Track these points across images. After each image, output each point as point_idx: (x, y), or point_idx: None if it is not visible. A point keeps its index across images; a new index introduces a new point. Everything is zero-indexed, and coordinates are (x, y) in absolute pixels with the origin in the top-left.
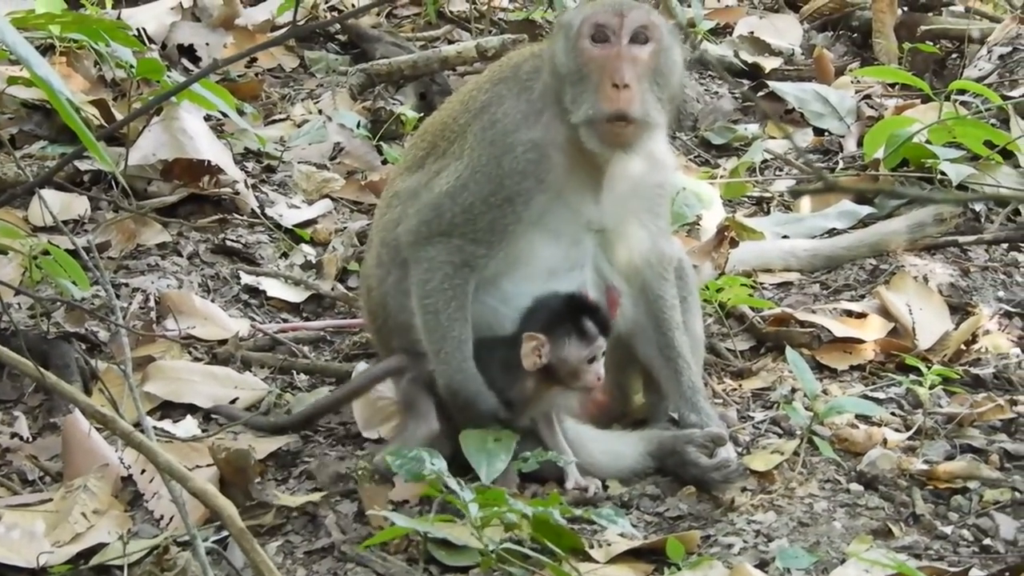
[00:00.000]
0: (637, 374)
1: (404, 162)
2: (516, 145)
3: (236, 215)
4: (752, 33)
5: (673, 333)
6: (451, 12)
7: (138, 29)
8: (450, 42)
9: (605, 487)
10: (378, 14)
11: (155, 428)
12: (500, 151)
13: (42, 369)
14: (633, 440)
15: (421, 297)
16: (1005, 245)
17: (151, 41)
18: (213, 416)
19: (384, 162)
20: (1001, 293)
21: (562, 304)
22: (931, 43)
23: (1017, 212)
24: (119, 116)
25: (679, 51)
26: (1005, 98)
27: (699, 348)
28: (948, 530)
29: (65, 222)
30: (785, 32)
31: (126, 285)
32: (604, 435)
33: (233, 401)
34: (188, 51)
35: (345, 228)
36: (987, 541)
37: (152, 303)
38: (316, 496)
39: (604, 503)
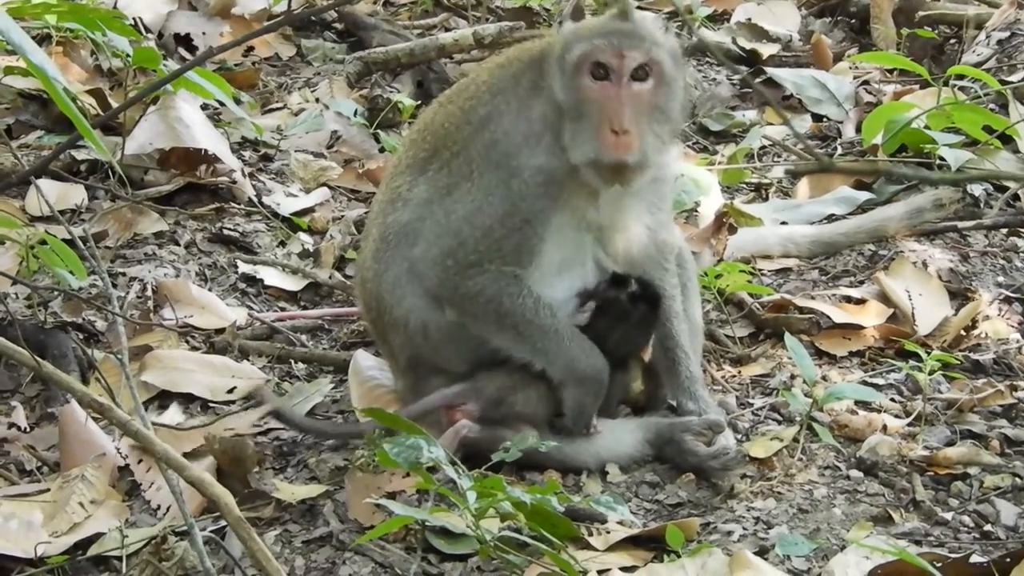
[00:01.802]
0: (635, 362)
1: (404, 159)
2: (522, 169)
3: (233, 204)
4: (750, 19)
5: (672, 322)
6: (448, 0)
7: (134, 18)
8: (447, 30)
9: (604, 473)
10: (375, 2)
11: (152, 418)
12: (507, 174)
13: (39, 359)
14: (631, 427)
15: (501, 318)
16: (1004, 230)
17: (147, 30)
18: (211, 405)
19: (381, 150)
20: (1000, 278)
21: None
22: (929, 28)
23: (1016, 197)
24: (116, 106)
25: (682, 79)
26: (1003, 83)
27: (698, 335)
28: (948, 516)
29: (62, 211)
30: (783, 18)
31: (123, 274)
32: (603, 422)
33: (231, 390)
34: (185, 40)
35: (343, 216)
36: (988, 527)
37: (149, 292)
38: (315, 487)
39: (604, 485)
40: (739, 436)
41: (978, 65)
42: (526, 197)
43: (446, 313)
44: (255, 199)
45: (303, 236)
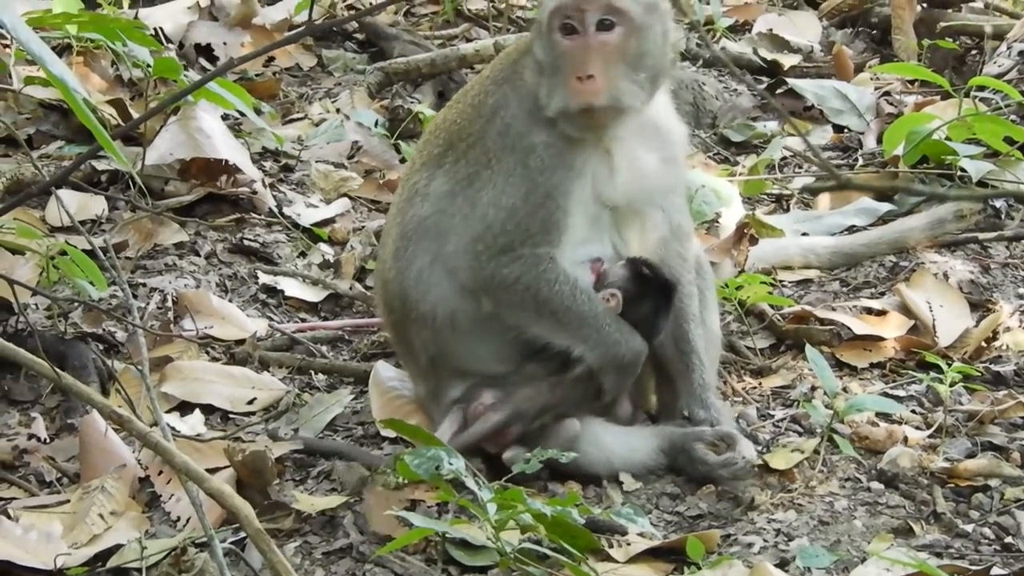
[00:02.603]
0: (650, 370)
1: (419, 157)
2: (535, 146)
3: (254, 214)
4: (771, 30)
5: (688, 325)
6: (469, 10)
7: (155, 28)
8: (468, 40)
9: (620, 483)
10: (396, 12)
11: (172, 429)
12: (522, 154)
13: (58, 370)
14: (646, 435)
15: (539, 306)
16: None
17: (168, 41)
18: (231, 416)
19: (402, 160)
20: (1021, 289)
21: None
22: (950, 39)
23: None
24: (136, 116)
25: (661, 24)
26: None
27: (715, 344)
28: (969, 528)
29: (82, 222)
30: (804, 29)
31: (143, 285)
32: (617, 428)
33: (251, 402)
34: (205, 50)
35: (363, 227)
36: (1008, 539)
37: (169, 303)
38: (335, 498)
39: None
40: (760, 448)
41: (999, 76)
42: (544, 170)
43: (483, 305)
44: (275, 209)
45: (323, 247)
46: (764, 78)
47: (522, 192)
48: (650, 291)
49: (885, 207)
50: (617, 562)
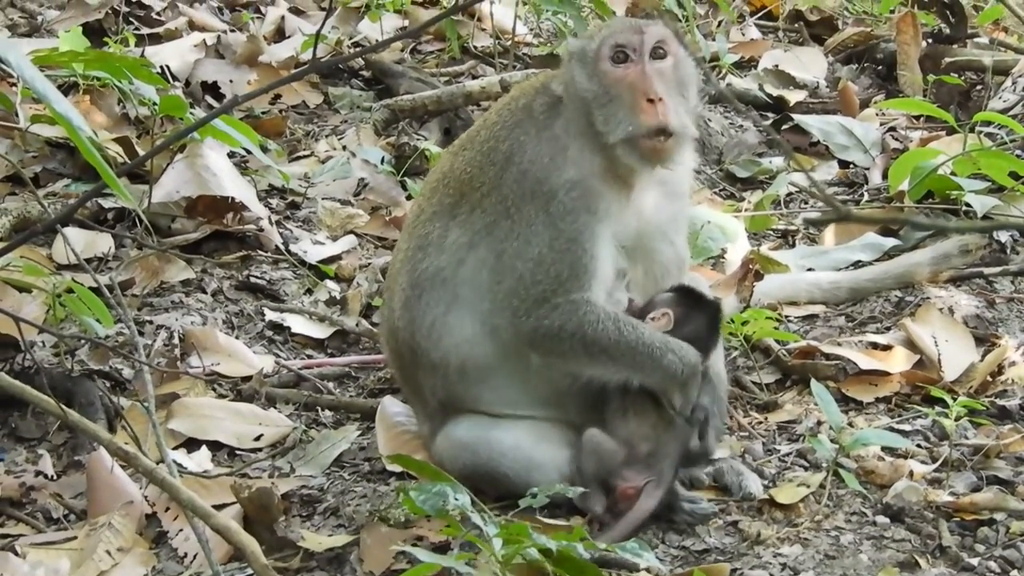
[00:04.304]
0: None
1: (427, 207)
2: (557, 190)
3: (260, 252)
4: (777, 66)
5: None
6: (475, 47)
7: (161, 66)
8: (474, 77)
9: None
10: (402, 50)
11: (178, 465)
12: (544, 200)
13: (65, 407)
14: None
15: (589, 348)
16: None
17: (174, 78)
18: (238, 452)
19: (408, 198)
20: None
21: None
22: (956, 75)
23: None
24: (142, 154)
25: (692, 67)
26: None
27: (721, 387)
28: (975, 562)
29: (89, 260)
30: (810, 65)
31: (150, 322)
32: None
33: (258, 438)
34: (212, 88)
35: (370, 264)
36: (1014, 573)
37: (176, 340)
38: (341, 536)
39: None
40: (766, 482)
41: (1004, 111)
42: (566, 216)
43: (531, 360)
44: (282, 247)
45: (330, 284)
46: (770, 114)
47: (546, 240)
48: (699, 310)
49: (890, 242)
50: None
